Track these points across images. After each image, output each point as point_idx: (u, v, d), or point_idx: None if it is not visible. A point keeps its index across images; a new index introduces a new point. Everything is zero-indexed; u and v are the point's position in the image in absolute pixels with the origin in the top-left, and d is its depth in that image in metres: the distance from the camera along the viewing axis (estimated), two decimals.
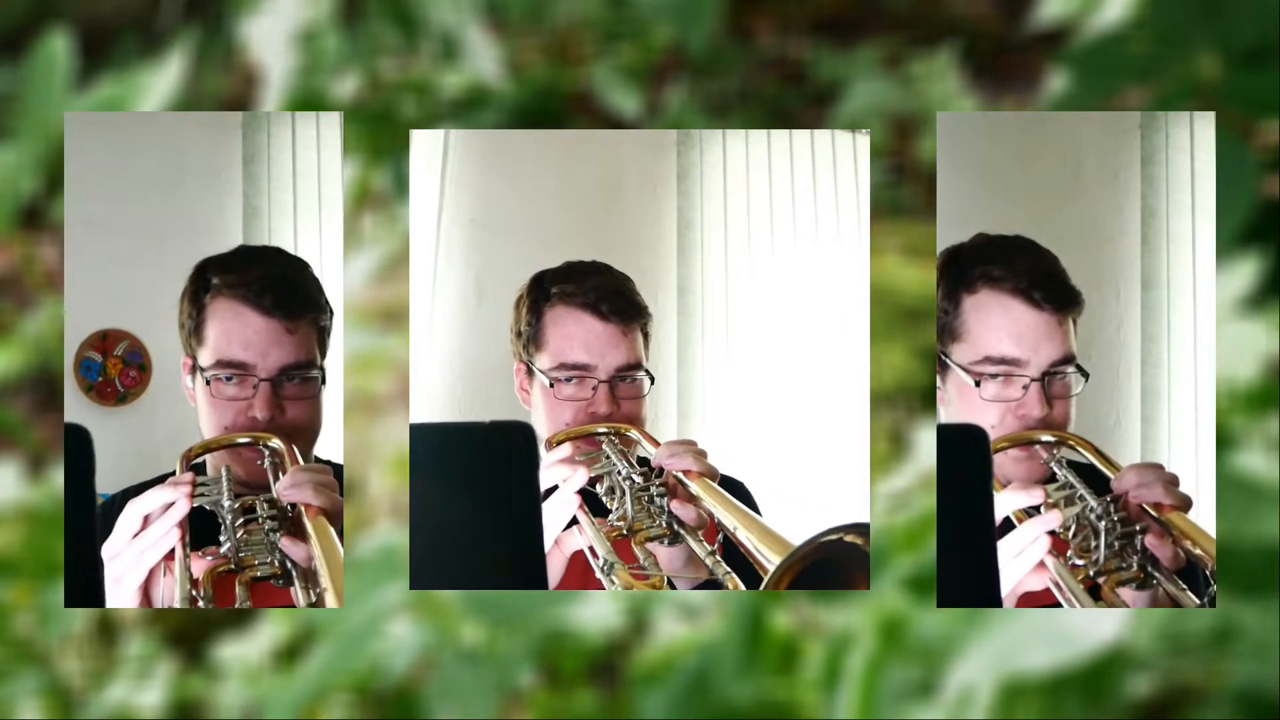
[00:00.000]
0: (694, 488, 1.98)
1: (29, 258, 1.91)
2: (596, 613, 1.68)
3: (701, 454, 2.04)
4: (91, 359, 4.30)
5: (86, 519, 1.57)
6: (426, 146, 4.44)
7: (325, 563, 1.69)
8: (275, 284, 2.01)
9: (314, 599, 1.72)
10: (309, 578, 1.75)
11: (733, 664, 1.63)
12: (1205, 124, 4.60)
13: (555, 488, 2.01)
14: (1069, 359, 1.91)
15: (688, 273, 4.72)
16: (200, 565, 1.77)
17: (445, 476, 1.65)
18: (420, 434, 1.67)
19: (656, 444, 2.08)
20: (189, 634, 1.74)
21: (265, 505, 1.81)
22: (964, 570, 1.61)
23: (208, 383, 1.99)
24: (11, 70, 1.90)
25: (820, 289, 4.70)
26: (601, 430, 2.13)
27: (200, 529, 1.82)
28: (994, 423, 1.90)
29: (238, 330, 1.99)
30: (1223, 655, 1.59)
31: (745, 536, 1.86)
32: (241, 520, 1.81)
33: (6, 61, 1.92)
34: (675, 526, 1.98)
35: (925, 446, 1.81)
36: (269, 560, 1.78)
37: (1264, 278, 1.72)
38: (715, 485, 1.98)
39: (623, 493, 2.01)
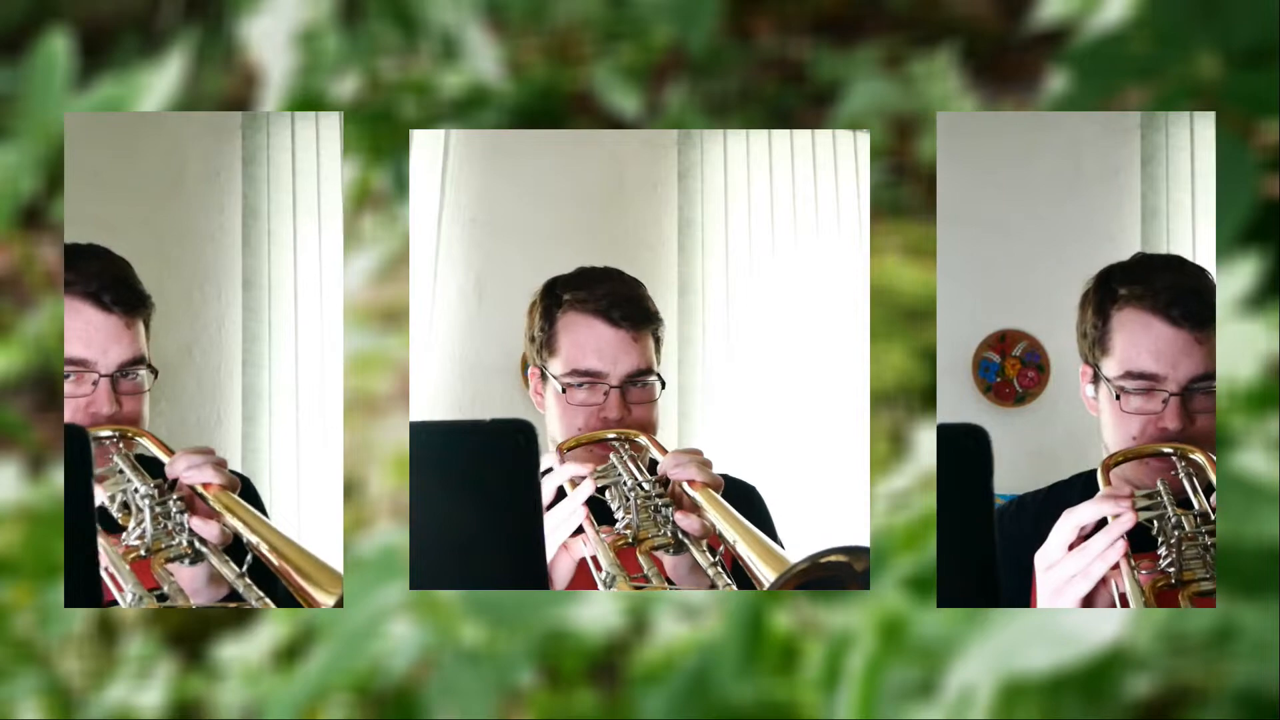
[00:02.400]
0: (698, 498, 2.01)
1: (29, 258, 1.91)
2: (596, 613, 1.68)
3: (706, 464, 2.08)
4: None
5: (87, 519, 1.57)
6: (426, 146, 4.44)
7: (250, 528, 1.78)
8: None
9: (245, 570, 1.79)
10: (229, 553, 1.81)
11: (733, 664, 1.63)
12: (1205, 124, 4.60)
13: (561, 492, 2.05)
14: (1212, 375, 1.95)
15: (688, 273, 4.73)
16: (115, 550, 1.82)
17: (445, 476, 1.65)
18: (420, 433, 1.67)
19: (665, 452, 2.12)
20: (189, 634, 1.74)
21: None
22: (964, 570, 1.61)
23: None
24: (11, 70, 1.90)
25: (820, 289, 4.70)
26: (611, 436, 2.16)
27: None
28: (1135, 433, 1.95)
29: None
30: (1223, 655, 1.59)
31: (744, 550, 1.89)
32: (150, 507, 1.85)
33: (6, 61, 1.92)
34: (680, 536, 2.02)
35: (925, 446, 1.81)
36: (177, 541, 1.83)
37: (1264, 278, 1.72)
38: (718, 496, 2.01)
39: (629, 502, 2.05)
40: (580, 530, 2.03)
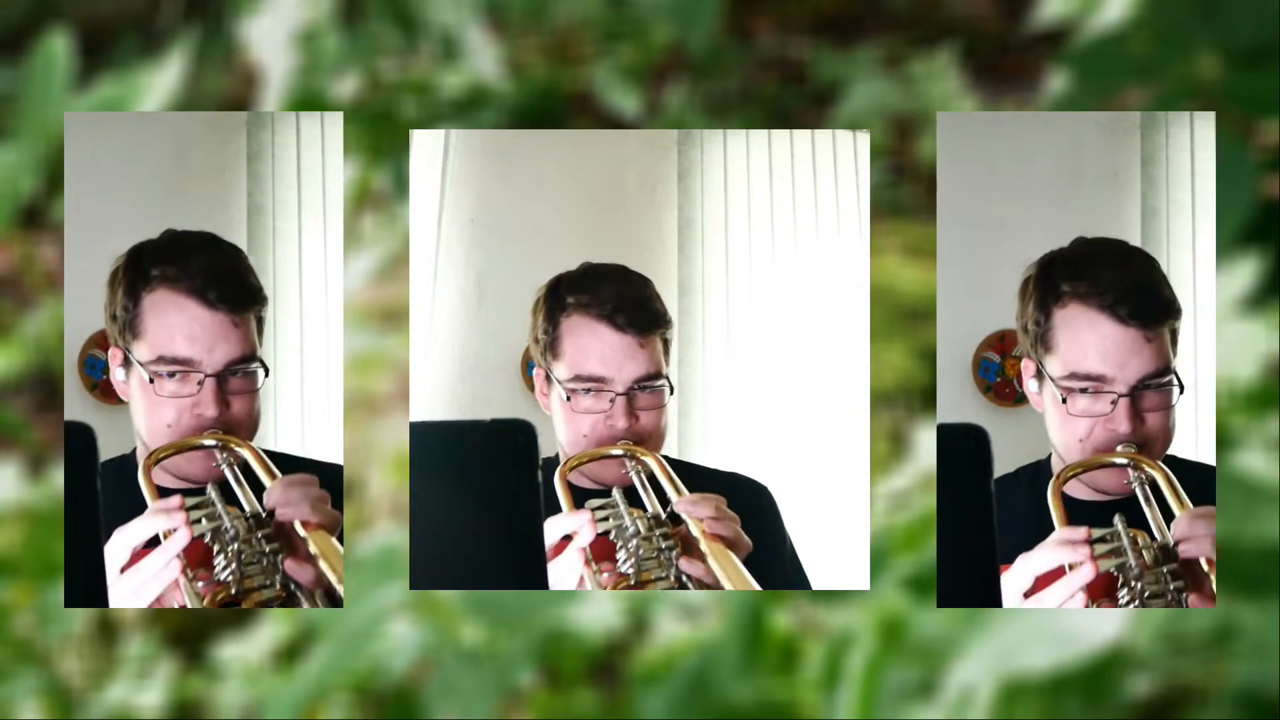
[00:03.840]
0: (708, 554, 1.93)
1: (29, 258, 1.91)
2: (596, 613, 1.68)
3: (734, 520, 1.98)
4: (96, 357, 4.30)
5: (87, 519, 1.57)
6: (426, 146, 4.44)
7: (339, 579, 1.68)
8: (219, 276, 1.90)
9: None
10: (314, 597, 1.72)
11: (733, 664, 1.63)
12: (1205, 124, 4.59)
13: (566, 537, 1.97)
14: (1162, 372, 1.90)
15: (688, 272, 4.72)
16: (204, 590, 1.73)
17: (445, 476, 1.65)
18: (420, 432, 1.67)
19: (675, 484, 2.02)
20: (189, 634, 1.74)
21: (253, 522, 1.74)
22: (964, 570, 1.61)
23: (150, 379, 1.88)
24: (11, 70, 1.90)
25: (820, 289, 4.70)
26: (618, 453, 2.08)
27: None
28: (1082, 436, 1.88)
29: (182, 324, 1.88)
30: (1223, 655, 1.59)
31: None
32: (241, 542, 1.74)
33: (6, 61, 1.92)
34: (684, 581, 1.95)
35: (925, 446, 1.81)
36: (270, 583, 1.73)
37: (1264, 278, 1.72)
38: (735, 558, 1.92)
39: (630, 543, 1.97)
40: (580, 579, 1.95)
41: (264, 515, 1.75)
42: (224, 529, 1.75)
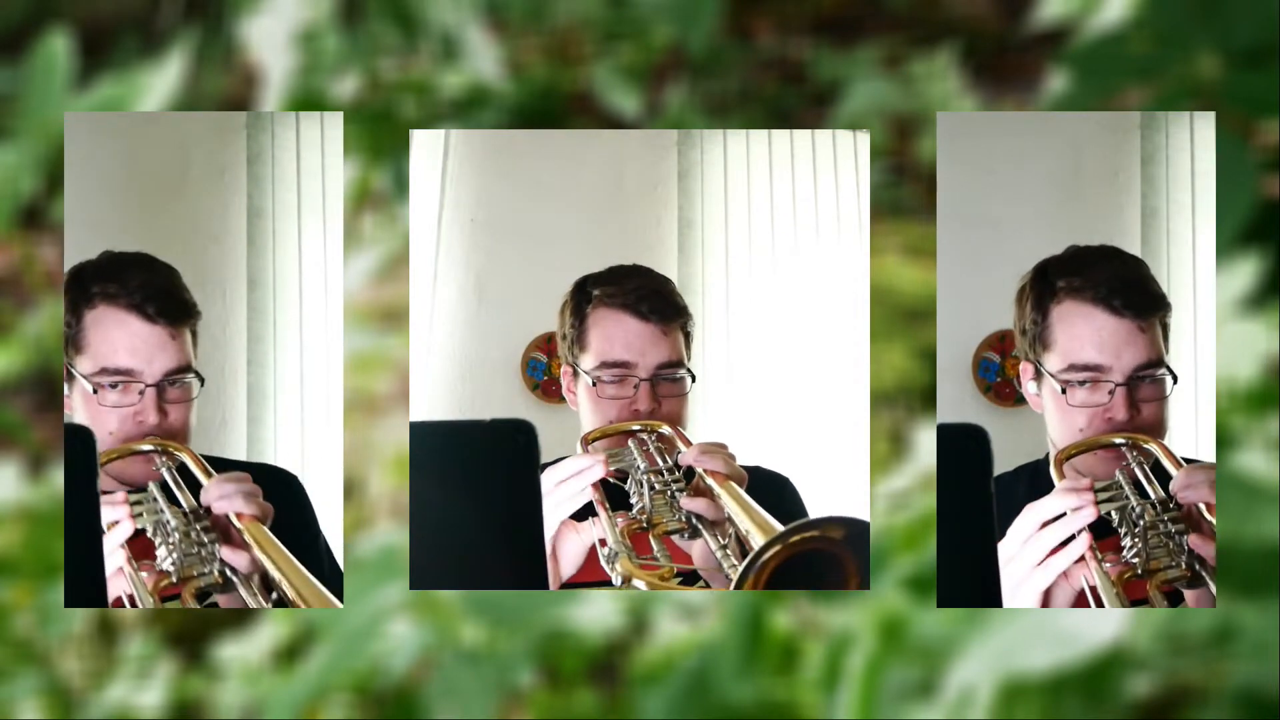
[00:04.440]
0: (714, 486, 2.03)
1: (29, 258, 1.91)
2: (596, 613, 1.68)
3: (731, 457, 2.10)
4: None
5: (87, 519, 1.57)
6: (426, 146, 4.43)
7: (275, 565, 1.77)
8: (156, 292, 2.04)
9: (273, 603, 1.78)
10: (256, 583, 1.81)
11: (733, 664, 1.63)
12: (1205, 124, 4.59)
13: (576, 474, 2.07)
14: (1155, 362, 1.95)
15: (688, 273, 4.72)
16: (147, 580, 1.82)
17: (445, 476, 1.65)
18: (420, 433, 1.67)
19: (689, 444, 2.13)
20: (189, 634, 1.74)
21: (191, 516, 1.86)
22: (964, 570, 1.61)
23: (94, 390, 2.00)
24: (11, 70, 1.90)
25: (820, 289, 4.70)
26: (636, 428, 2.17)
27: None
28: (1082, 426, 1.95)
29: (123, 338, 2.01)
30: (1223, 655, 1.59)
31: (754, 536, 1.88)
32: (180, 533, 1.85)
33: (6, 61, 1.92)
34: (694, 521, 2.04)
35: (925, 446, 1.81)
36: (209, 571, 1.82)
37: (1264, 278, 1.72)
38: (739, 489, 2.01)
39: (642, 487, 2.08)
40: (593, 514, 2.05)
41: (201, 510, 1.87)
42: (164, 521, 1.86)
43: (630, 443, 2.15)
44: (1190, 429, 4.35)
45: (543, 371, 4.35)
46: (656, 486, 2.08)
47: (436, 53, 1.92)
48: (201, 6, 1.97)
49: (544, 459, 1.90)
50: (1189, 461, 1.88)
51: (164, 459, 1.95)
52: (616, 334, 2.21)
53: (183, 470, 1.94)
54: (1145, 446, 1.90)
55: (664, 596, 1.72)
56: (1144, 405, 1.95)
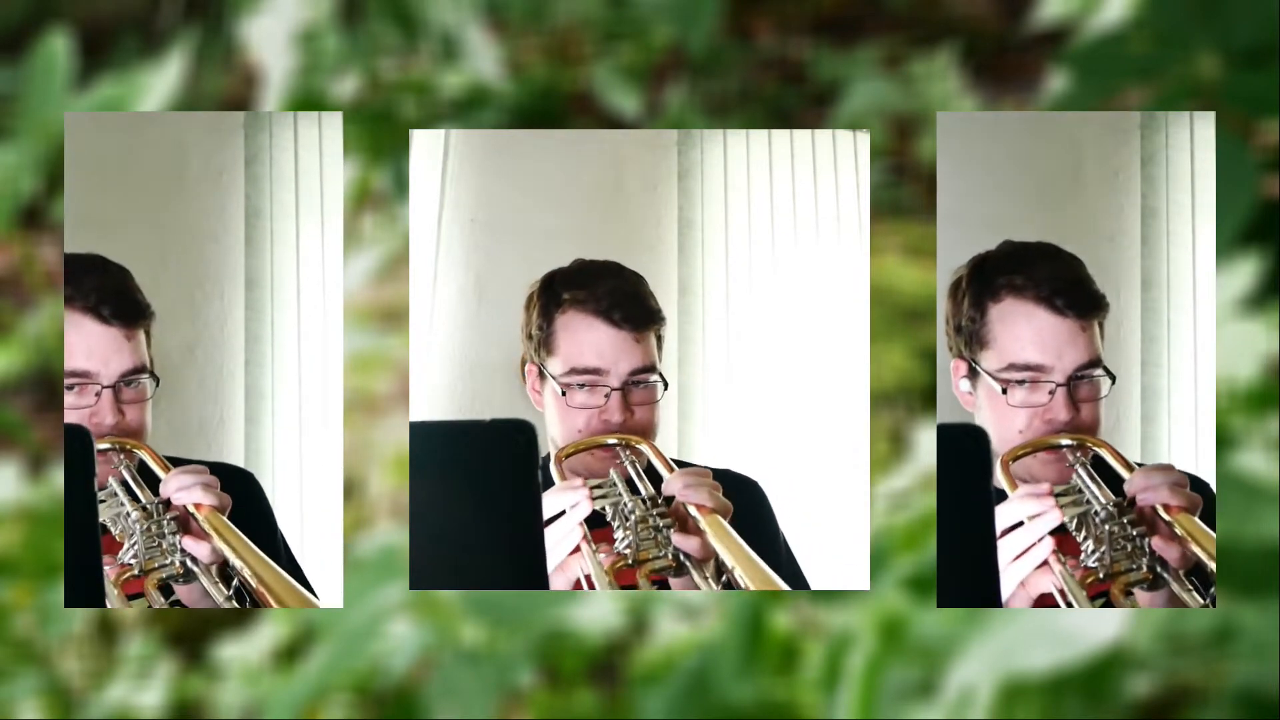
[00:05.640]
0: (703, 524, 1.96)
1: (29, 258, 1.91)
2: (596, 613, 1.68)
3: (716, 488, 2.02)
4: None
5: (87, 519, 1.57)
6: (426, 146, 4.43)
7: (235, 553, 1.81)
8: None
9: (232, 592, 1.83)
10: (211, 571, 1.85)
11: (733, 664, 1.63)
12: (1205, 124, 4.59)
13: (561, 513, 1.99)
14: (1094, 363, 1.94)
15: (688, 273, 4.72)
16: (110, 572, 1.85)
17: (445, 476, 1.65)
18: (420, 432, 1.67)
19: (669, 466, 2.06)
20: (189, 634, 1.74)
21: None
22: (964, 570, 1.61)
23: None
24: (11, 70, 1.90)
25: (820, 289, 4.70)
26: (612, 442, 2.10)
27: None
28: (1021, 427, 1.92)
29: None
30: (1223, 655, 1.59)
31: (740, 577, 1.86)
32: (141, 525, 1.88)
33: (6, 61, 1.92)
34: (681, 558, 1.97)
35: (925, 446, 1.81)
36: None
37: (1264, 278, 1.72)
38: (724, 523, 1.96)
39: (628, 522, 1.99)
40: (577, 549, 1.98)
41: (160, 503, 1.90)
42: (125, 514, 1.89)
43: (612, 471, 2.05)
44: (1190, 429, 4.35)
45: None
46: (641, 519, 1.99)
47: (436, 53, 1.92)
48: (201, 6, 1.97)
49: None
50: (1139, 465, 1.88)
51: (122, 456, 1.98)
52: (587, 341, 2.13)
53: (142, 468, 1.97)
54: (1091, 448, 1.89)
55: (664, 596, 1.72)
56: (1082, 405, 1.93)
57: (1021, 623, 1.58)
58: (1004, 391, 1.92)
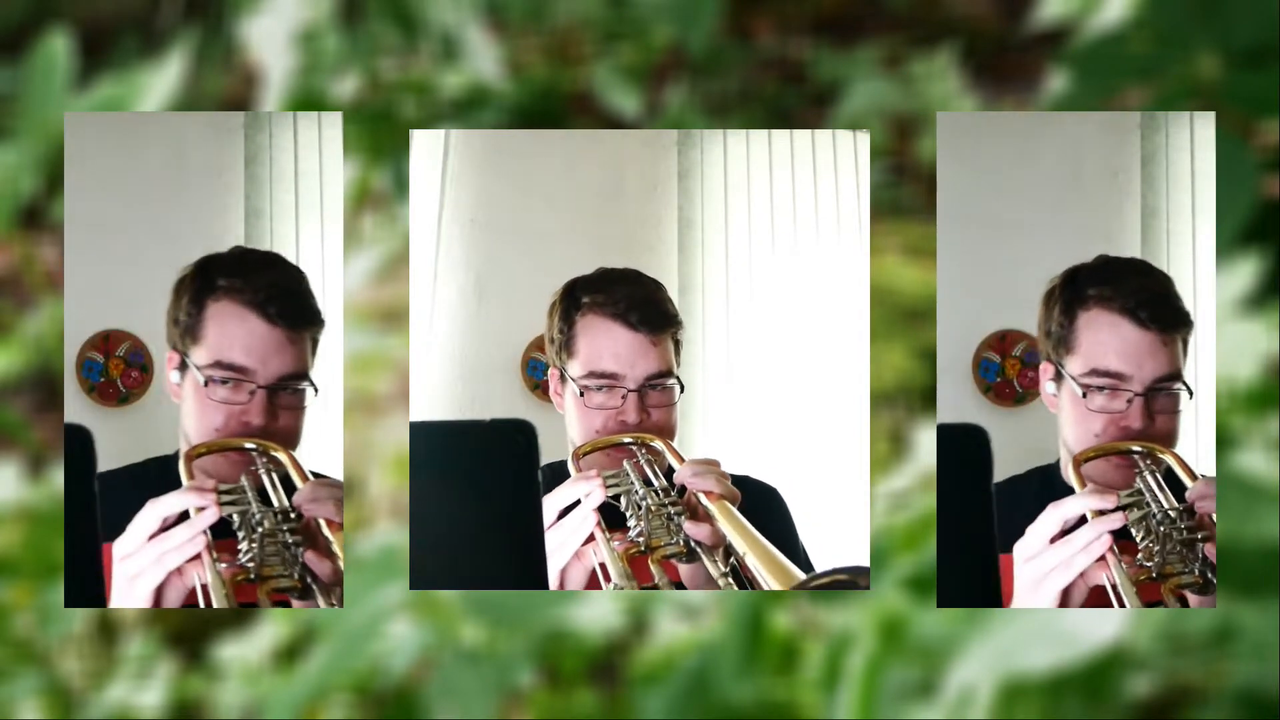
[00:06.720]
0: (712, 509, 2.02)
1: (29, 258, 1.91)
2: (596, 613, 1.68)
3: (724, 476, 2.08)
4: (93, 359, 4.30)
5: (87, 519, 1.57)
6: (426, 146, 4.44)
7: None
8: (281, 293, 1.99)
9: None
10: (330, 592, 1.76)
11: (733, 664, 1.63)
12: (1205, 124, 4.59)
13: (576, 503, 2.04)
14: (1174, 376, 2.01)
15: (688, 273, 4.72)
16: (226, 572, 1.77)
17: (445, 476, 1.65)
18: (420, 432, 1.67)
19: (682, 460, 2.11)
20: (189, 634, 1.74)
21: (280, 517, 1.80)
22: (964, 570, 1.61)
23: (205, 383, 1.97)
24: (11, 70, 1.90)
25: (820, 289, 4.70)
26: (628, 440, 2.15)
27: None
28: (1098, 431, 2.00)
29: (241, 335, 1.97)
30: (1223, 655, 1.59)
31: (754, 563, 1.89)
32: (260, 531, 1.80)
33: (6, 61, 1.92)
34: (692, 545, 2.02)
35: (925, 446, 1.81)
36: (289, 573, 1.77)
37: (1264, 278, 1.72)
38: (733, 509, 2.01)
39: (640, 510, 2.05)
40: (591, 538, 2.03)
41: (291, 511, 1.81)
42: (250, 514, 1.80)
43: (625, 464, 2.12)
44: (1190, 429, 4.36)
45: (543, 371, 4.35)
46: (653, 508, 2.05)
47: (436, 53, 1.92)
48: (201, 6, 1.98)
49: (544, 459, 1.90)
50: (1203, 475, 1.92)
51: (265, 460, 1.91)
52: (605, 344, 2.18)
53: (285, 477, 1.89)
54: (1160, 456, 1.95)
55: (664, 596, 1.72)
56: (1158, 416, 2.00)
57: (1021, 623, 1.58)
58: (1084, 395, 1.99)
